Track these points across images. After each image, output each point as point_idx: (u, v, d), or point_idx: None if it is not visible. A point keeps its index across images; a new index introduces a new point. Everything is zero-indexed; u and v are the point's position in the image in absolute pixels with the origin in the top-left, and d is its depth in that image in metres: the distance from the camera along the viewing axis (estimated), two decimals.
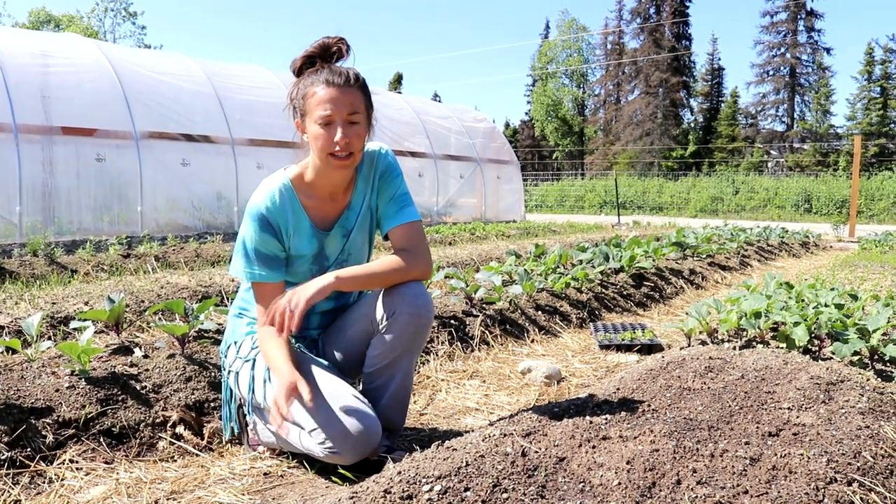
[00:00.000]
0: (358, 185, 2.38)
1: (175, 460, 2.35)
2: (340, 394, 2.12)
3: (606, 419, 2.07)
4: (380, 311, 2.27)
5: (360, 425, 2.06)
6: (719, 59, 58.70)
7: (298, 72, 2.25)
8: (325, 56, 2.22)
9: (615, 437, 1.92)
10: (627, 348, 4.03)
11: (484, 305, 4.31)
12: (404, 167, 2.29)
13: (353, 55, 2.25)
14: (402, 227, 2.33)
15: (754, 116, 51.08)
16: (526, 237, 12.09)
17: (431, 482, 1.64)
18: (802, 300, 3.93)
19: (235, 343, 2.40)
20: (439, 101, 26.46)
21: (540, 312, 4.56)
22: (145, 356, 2.81)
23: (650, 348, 4.01)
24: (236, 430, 2.46)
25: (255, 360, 2.30)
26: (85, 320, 2.96)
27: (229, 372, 2.39)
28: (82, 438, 2.32)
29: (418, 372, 3.41)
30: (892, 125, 42.98)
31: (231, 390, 2.43)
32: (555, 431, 1.96)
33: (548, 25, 63.67)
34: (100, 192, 9.48)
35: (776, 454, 1.80)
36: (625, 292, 5.52)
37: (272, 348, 2.14)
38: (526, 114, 62.28)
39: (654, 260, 6.40)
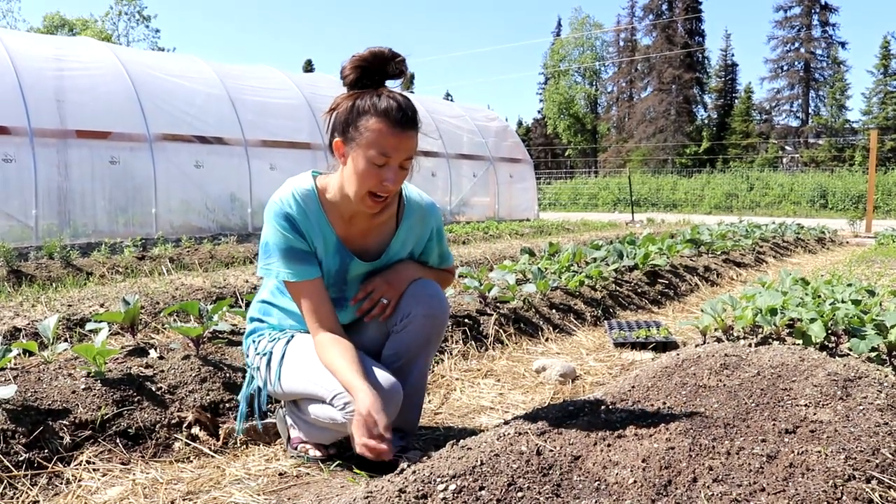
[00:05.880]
0: (400, 234, 2.30)
1: (191, 461, 2.36)
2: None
3: (621, 417, 2.06)
4: (396, 313, 2.27)
5: (384, 382, 2.06)
6: (733, 55, 58.33)
7: (351, 84, 2.06)
8: (381, 70, 2.04)
9: (630, 435, 1.91)
10: (642, 346, 4.02)
11: (498, 304, 4.30)
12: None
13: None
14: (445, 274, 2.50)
15: (768, 112, 50.81)
16: (539, 235, 12.07)
17: (446, 481, 1.64)
18: (819, 296, 3.89)
19: (258, 343, 2.37)
20: (451, 100, 26.45)
21: (554, 311, 4.54)
22: (160, 357, 2.82)
23: (665, 346, 3.99)
24: (265, 417, 2.45)
25: (270, 352, 2.27)
26: (100, 322, 2.97)
27: (257, 368, 2.34)
28: (99, 439, 2.33)
29: (433, 371, 3.40)
30: None
31: (258, 388, 2.40)
32: (570, 430, 1.95)
33: (560, 23, 63.73)
34: (114, 195, 9.55)
35: (793, 451, 1.79)
36: (639, 290, 5.50)
37: (335, 357, 2.06)
38: (538, 112, 62.27)
39: (668, 257, 6.36)
